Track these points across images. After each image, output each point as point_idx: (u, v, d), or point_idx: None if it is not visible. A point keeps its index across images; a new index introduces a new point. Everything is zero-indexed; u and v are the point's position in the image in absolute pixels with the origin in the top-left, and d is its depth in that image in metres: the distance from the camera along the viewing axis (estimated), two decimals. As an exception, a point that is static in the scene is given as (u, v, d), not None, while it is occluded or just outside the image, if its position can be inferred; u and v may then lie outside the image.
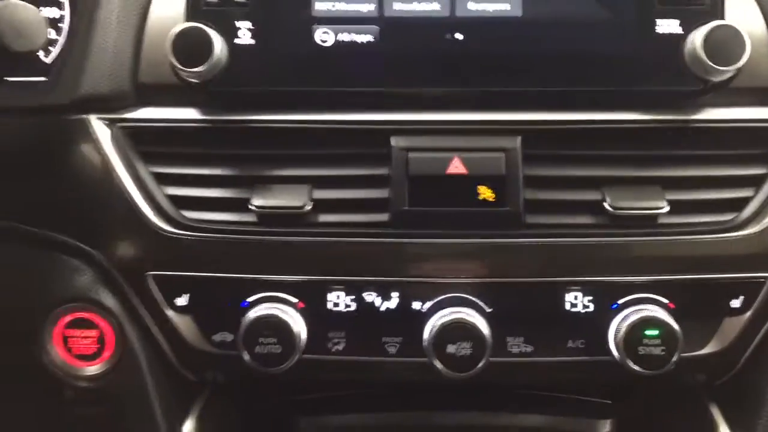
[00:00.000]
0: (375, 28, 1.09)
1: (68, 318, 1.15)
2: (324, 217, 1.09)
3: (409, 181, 1.06)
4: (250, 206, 1.07)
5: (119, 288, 1.14)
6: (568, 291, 1.09)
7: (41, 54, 1.09)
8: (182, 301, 1.11)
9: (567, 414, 1.38)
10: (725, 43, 1.02)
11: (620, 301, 1.08)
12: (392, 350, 1.11)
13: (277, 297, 1.08)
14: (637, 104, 1.09)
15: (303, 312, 1.08)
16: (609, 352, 1.07)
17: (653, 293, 1.08)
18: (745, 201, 1.09)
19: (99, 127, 1.10)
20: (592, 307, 1.09)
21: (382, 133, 1.09)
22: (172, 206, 1.10)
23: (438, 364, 1.05)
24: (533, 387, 1.36)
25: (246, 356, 1.05)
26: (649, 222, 1.08)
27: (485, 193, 1.06)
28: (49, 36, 1.09)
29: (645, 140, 1.10)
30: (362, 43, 1.09)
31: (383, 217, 1.08)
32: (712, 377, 1.18)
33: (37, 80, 1.11)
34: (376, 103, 1.10)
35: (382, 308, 1.09)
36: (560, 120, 1.09)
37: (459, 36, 1.08)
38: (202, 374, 1.20)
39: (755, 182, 1.09)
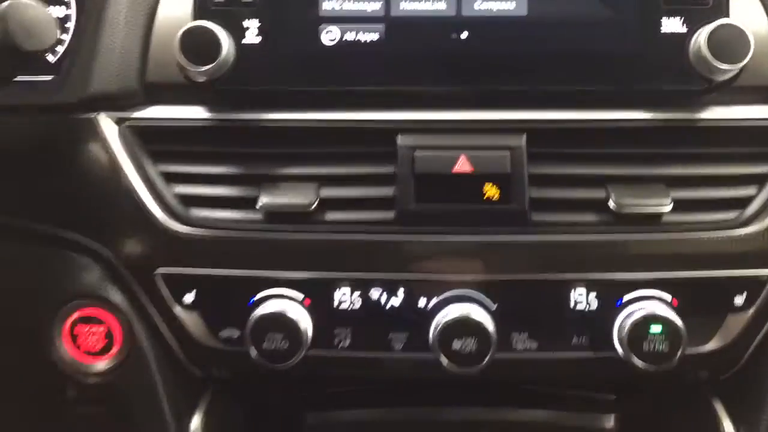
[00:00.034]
0: (381, 27, 1.09)
1: (77, 314, 1.16)
2: (331, 215, 1.09)
3: (416, 180, 1.07)
4: (257, 204, 1.07)
5: (127, 285, 1.14)
6: (573, 288, 1.09)
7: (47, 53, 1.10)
8: (190, 297, 1.11)
9: (571, 409, 1.39)
10: (730, 42, 1.02)
11: (624, 298, 1.08)
12: (398, 346, 1.11)
13: (283, 294, 1.09)
14: (641, 103, 1.10)
15: (309, 308, 1.09)
16: (613, 349, 1.08)
17: (657, 290, 1.08)
18: (748, 199, 1.09)
19: (107, 125, 1.11)
20: (596, 304, 1.09)
21: (388, 131, 1.09)
22: (180, 204, 1.10)
23: (444, 360, 1.06)
24: (538, 383, 1.37)
25: (253, 352, 1.06)
26: (653, 220, 1.08)
27: (491, 191, 1.07)
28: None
29: (649, 139, 1.10)
30: (369, 42, 1.09)
31: (390, 215, 1.08)
32: (716, 373, 1.18)
33: (44, 79, 1.12)
34: (383, 101, 1.10)
35: (388, 305, 1.10)
36: (565, 119, 1.10)
37: (465, 35, 1.09)
38: (208, 370, 1.21)
39: (759, 180, 1.10)
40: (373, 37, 1.09)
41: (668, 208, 1.07)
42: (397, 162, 1.08)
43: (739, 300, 1.10)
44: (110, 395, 1.19)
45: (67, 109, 1.11)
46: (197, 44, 1.04)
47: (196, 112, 1.12)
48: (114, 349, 1.16)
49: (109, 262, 1.14)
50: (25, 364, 1.21)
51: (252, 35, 1.09)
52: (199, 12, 1.09)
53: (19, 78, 1.09)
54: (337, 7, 1.09)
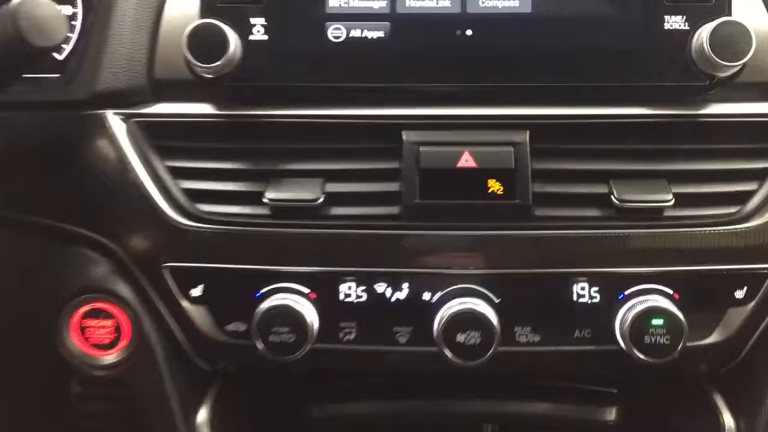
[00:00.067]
0: (387, 24, 1.10)
1: (85, 308, 1.16)
2: (336, 210, 1.10)
3: (420, 175, 1.08)
4: (264, 199, 1.08)
5: (135, 279, 1.15)
6: (576, 282, 1.10)
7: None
8: (197, 291, 1.12)
9: (573, 402, 1.39)
10: (731, 39, 1.03)
11: (626, 292, 1.09)
12: (403, 339, 1.12)
13: (289, 288, 1.10)
14: (643, 99, 1.11)
15: (315, 302, 1.09)
16: (615, 342, 1.09)
17: (659, 284, 1.09)
18: (749, 194, 1.10)
19: (115, 121, 1.12)
20: (598, 298, 1.10)
21: (393, 127, 1.10)
22: (187, 199, 1.11)
23: (448, 353, 1.07)
24: (540, 376, 1.38)
25: (260, 345, 1.07)
26: (655, 214, 1.09)
27: (495, 186, 1.08)
28: None
29: (651, 134, 1.11)
30: (374, 39, 1.10)
31: (394, 209, 1.09)
32: (716, 366, 1.19)
33: (52, 77, 1.14)
34: (388, 98, 1.12)
35: (393, 299, 1.11)
36: (568, 114, 1.11)
37: (469, 32, 1.10)
38: (215, 363, 1.22)
39: (759, 176, 1.11)
40: (379, 34, 1.10)
41: (670, 203, 1.07)
42: (402, 157, 1.09)
43: (739, 294, 1.11)
44: (119, 387, 1.19)
45: (75, 105, 1.13)
46: (205, 41, 1.05)
47: (203, 109, 1.13)
48: (122, 343, 1.17)
49: (117, 256, 1.15)
50: (35, 358, 1.22)
51: (258, 32, 1.10)
52: (206, 10, 1.10)
53: (27, 75, 1.09)
54: (344, 5, 1.10)
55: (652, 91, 1.11)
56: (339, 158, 1.11)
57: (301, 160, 1.12)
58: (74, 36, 1.15)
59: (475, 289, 1.10)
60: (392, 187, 1.10)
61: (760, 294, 1.11)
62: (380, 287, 1.11)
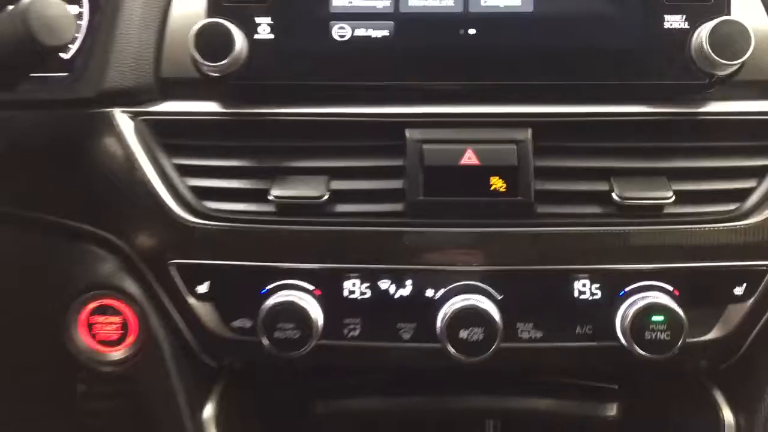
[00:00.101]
0: (390, 23, 1.11)
1: (93, 305, 1.17)
2: (341, 207, 1.11)
3: (424, 172, 1.09)
4: (269, 196, 1.09)
5: (142, 276, 1.16)
6: (577, 278, 1.11)
7: None
8: (203, 288, 1.13)
9: (574, 398, 1.40)
10: (731, 38, 1.04)
11: (627, 288, 1.10)
12: (406, 336, 1.13)
13: (294, 284, 1.10)
14: (644, 97, 1.12)
15: (320, 299, 1.10)
16: (616, 338, 1.09)
17: (659, 281, 1.10)
18: (748, 191, 1.11)
19: (123, 119, 1.13)
20: (599, 294, 1.11)
21: (397, 125, 1.11)
22: (193, 197, 1.12)
23: (451, 349, 1.07)
24: (542, 372, 1.39)
25: (265, 341, 1.08)
26: (655, 212, 1.10)
27: (497, 183, 1.08)
28: None
29: (651, 132, 1.12)
30: (378, 38, 1.11)
31: (398, 206, 1.10)
32: (716, 362, 1.20)
33: (59, 76, 1.15)
34: (391, 96, 1.13)
35: (397, 295, 1.11)
36: (570, 113, 1.12)
37: (472, 31, 1.11)
38: (221, 359, 1.23)
39: (758, 173, 1.11)
40: (383, 33, 1.11)
41: (670, 200, 1.08)
42: (406, 155, 1.09)
43: (739, 290, 1.11)
44: (126, 383, 1.20)
45: (83, 103, 1.14)
46: (211, 41, 1.06)
47: (210, 107, 1.14)
48: (129, 339, 1.17)
49: (125, 253, 1.16)
50: (43, 355, 1.23)
51: (264, 31, 1.11)
52: (212, 9, 1.11)
53: (35, 74, 1.10)
54: (348, 4, 1.11)
55: (652, 89, 1.12)
56: (343, 156, 1.12)
57: (306, 158, 1.13)
58: (80, 35, 1.16)
59: (477, 285, 1.11)
60: (396, 184, 1.10)
61: (759, 290, 1.11)
62: (384, 284, 1.11)
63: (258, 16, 1.11)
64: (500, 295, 1.11)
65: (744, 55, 1.04)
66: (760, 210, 1.10)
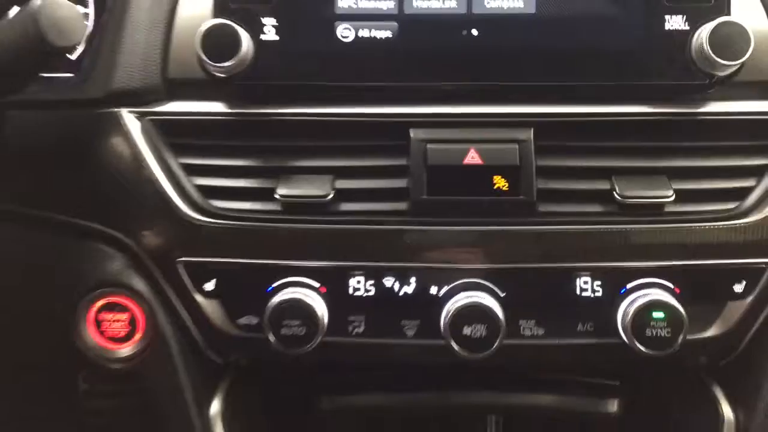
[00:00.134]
0: (394, 24, 1.12)
1: (101, 302, 1.18)
2: (346, 206, 1.12)
3: (428, 172, 1.10)
4: (275, 195, 1.10)
5: (150, 273, 1.17)
6: (579, 276, 1.11)
7: None
8: (210, 286, 1.14)
9: (576, 394, 1.41)
10: (730, 39, 1.05)
11: (628, 286, 1.11)
12: (410, 333, 1.14)
13: (300, 282, 1.11)
14: (645, 98, 1.13)
15: (325, 296, 1.11)
16: (617, 335, 1.10)
17: (660, 278, 1.11)
18: (747, 190, 1.12)
19: (130, 119, 1.14)
20: (601, 292, 1.11)
21: (401, 125, 1.12)
22: (200, 196, 1.13)
23: (454, 345, 1.08)
24: (544, 368, 1.39)
25: (272, 337, 1.09)
26: (656, 210, 1.11)
27: (500, 182, 1.09)
28: None
29: (652, 132, 1.13)
30: (382, 39, 1.12)
31: (402, 205, 1.11)
32: (716, 358, 1.21)
33: (65, 76, 1.16)
34: (396, 96, 1.13)
35: (401, 293, 1.12)
36: (571, 113, 1.12)
37: (475, 32, 1.12)
38: (227, 356, 1.24)
39: (758, 172, 1.12)
40: (387, 34, 1.12)
41: (670, 198, 1.09)
42: (410, 155, 1.10)
43: (738, 288, 1.12)
44: (133, 383, 1.21)
45: (91, 104, 1.15)
46: (218, 41, 1.07)
47: (216, 107, 1.15)
48: (137, 336, 1.18)
49: (133, 251, 1.17)
50: (51, 353, 1.24)
51: (270, 32, 1.12)
52: (218, 10, 1.11)
53: (43, 75, 1.11)
54: (353, 5, 1.12)
55: (652, 89, 1.13)
56: (348, 155, 1.13)
57: (311, 158, 1.14)
58: (86, 36, 1.17)
59: (480, 283, 1.12)
60: (400, 183, 1.11)
61: (758, 288, 1.12)
62: (388, 281, 1.12)
63: (264, 17, 1.12)
64: (503, 292, 1.11)
65: (743, 55, 1.05)
66: (759, 208, 1.11)
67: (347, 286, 1.13)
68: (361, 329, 1.14)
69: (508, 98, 1.13)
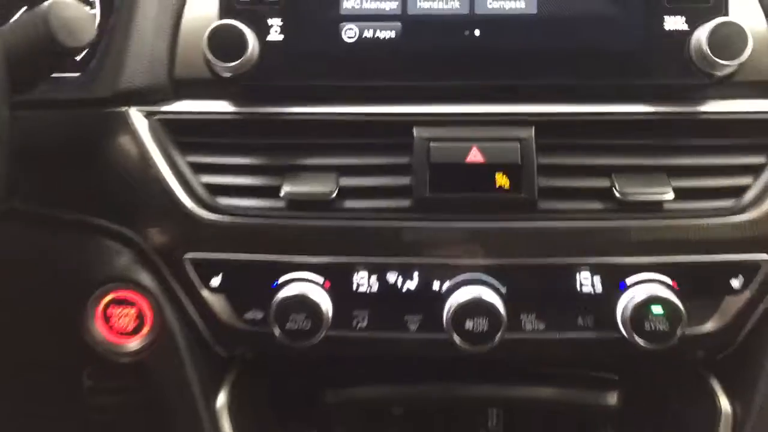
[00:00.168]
0: (398, 25, 1.13)
1: (109, 297, 1.20)
2: (350, 203, 1.13)
3: (431, 169, 1.11)
4: (280, 193, 1.11)
5: (157, 269, 1.18)
6: (579, 271, 1.12)
7: None
8: (216, 281, 1.15)
9: (576, 387, 1.42)
10: (729, 39, 1.06)
11: (628, 281, 1.12)
12: (413, 327, 1.15)
13: (305, 277, 1.13)
14: (644, 97, 1.14)
15: (329, 291, 1.12)
16: (617, 329, 1.11)
17: (658, 274, 1.12)
18: (745, 188, 1.13)
19: (138, 118, 1.16)
20: (601, 287, 1.13)
21: (404, 124, 1.13)
22: (207, 193, 1.14)
23: (456, 339, 1.09)
24: (545, 362, 1.41)
25: (277, 331, 1.10)
26: (655, 207, 1.12)
27: (502, 180, 1.10)
28: None
29: (652, 131, 1.14)
30: (386, 39, 1.13)
31: (406, 202, 1.12)
32: (713, 352, 1.22)
33: (72, 76, 1.17)
34: (399, 96, 1.14)
35: (404, 288, 1.13)
36: (572, 112, 1.13)
37: (477, 32, 1.13)
38: (233, 350, 1.25)
39: (755, 170, 1.13)
40: (391, 34, 1.13)
41: (669, 196, 1.10)
42: (413, 153, 1.11)
43: (735, 283, 1.13)
44: (143, 373, 1.23)
45: (99, 103, 1.16)
46: (224, 42, 1.08)
47: (222, 106, 1.16)
48: (145, 330, 1.20)
49: (140, 247, 1.18)
50: (59, 349, 1.26)
51: (275, 33, 1.13)
52: (225, 11, 1.12)
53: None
54: (357, 6, 1.13)
55: (652, 89, 1.14)
56: (352, 153, 1.14)
57: (316, 156, 1.15)
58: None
59: (482, 278, 1.13)
60: (403, 181, 1.13)
61: (755, 283, 1.13)
62: (392, 277, 1.13)
63: (269, 18, 1.13)
64: (504, 287, 1.13)
65: (742, 55, 1.06)
66: (757, 205, 1.12)
67: (351, 282, 1.14)
68: (364, 323, 1.15)
69: (510, 97, 1.14)
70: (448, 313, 1.10)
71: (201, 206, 1.14)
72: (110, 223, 1.19)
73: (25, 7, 1.21)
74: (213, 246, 1.15)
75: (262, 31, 1.12)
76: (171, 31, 1.17)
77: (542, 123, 1.13)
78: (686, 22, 1.11)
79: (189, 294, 1.18)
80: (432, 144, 1.11)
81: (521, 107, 1.14)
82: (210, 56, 1.09)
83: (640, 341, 1.10)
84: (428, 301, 1.13)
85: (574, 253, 1.13)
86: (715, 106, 1.14)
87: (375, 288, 1.14)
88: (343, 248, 1.14)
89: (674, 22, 1.11)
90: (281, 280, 1.13)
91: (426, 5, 1.13)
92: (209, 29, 1.08)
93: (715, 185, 1.13)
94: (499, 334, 1.09)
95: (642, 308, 1.09)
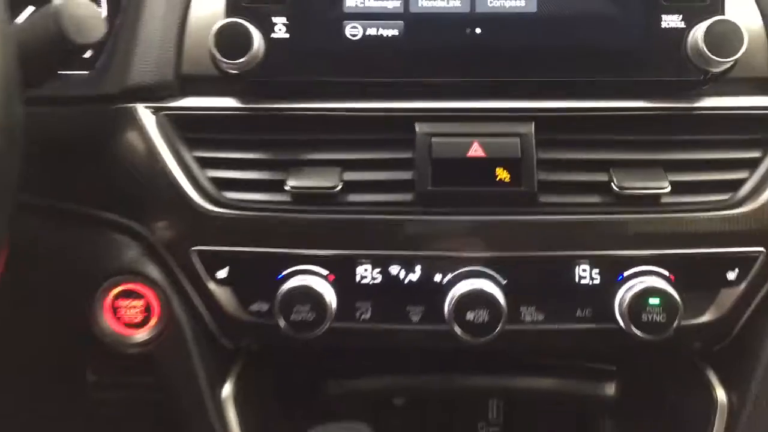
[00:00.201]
0: (400, 23, 1.14)
1: (117, 289, 1.21)
2: (353, 197, 1.14)
3: (432, 164, 1.12)
4: (285, 187, 1.13)
5: (164, 262, 1.20)
6: (578, 264, 1.14)
7: None
8: (222, 273, 1.16)
9: (574, 378, 1.44)
10: (725, 37, 1.07)
11: (625, 273, 1.13)
12: (415, 318, 1.16)
13: (309, 270, 1.14)
14: (642, 93, 1.15)
15: (333, 283, 1.14)
16: (614, 320, 1.13)
17: (655, 266, 1.13)
18: (740, 182, 1.14)
19: (145, 114, 1.17)
20: (599, 279, 1.14)
21: (407, 119, 1.14)
22: (213, 187, 1.16)
23: (458, 330, 1.11)
24: (544, 353, 1.42)
25: (282, 323, 1.11)
26: (652, 201, 1.13)
27: (502, 174, 1.12)
28: None
29: (649, 126, 1.16)
30: (389, 37, 1.15)
31: (408, 196, 1.14)
32: (709, 344, 1.24)
33: (79, 73, 1.19)
34: (401, 92, 1.16)
35: (406, 280, 1.15)
36: (571, 107, 1.15)
37: (478, 30, 1.14)
38: (238, 342, 1.27)
39: (750, 165, 1.15)
40: (393, 32, 1.15)
41: (667, 190, 1.11)
42: (415, 148, 1.13)
43: (731, 275, 1.15)
44: (151, 364, 1.24)
45: (107, 99, 1.17)
46: (230, 39, 1.09)
47: (228, 102, 1.17)
48: (152, 322, 1.21)
49: (148, 240, 1.19)
50: (69, 341, 1.27)
51: (280, 31, 1.14)
52: (231, 9, 1.14)
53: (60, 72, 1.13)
54: (360, 4, 1.14)
55: (649, 85, 1.15)
56: (356, 149, 1.15)
57: (320, 151, 1.16)
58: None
59: (483, 270, 1.14)
60: (406, 175, 1.14)
61: (750, 275, 1.15)
62: (394, 269, 1.15)
63: (275, 16, 1.14)
64: (505, 279, 1.14)
65: (737, 53, 1.08)
66: (752, 199, 1.14)
67: (355, 274, 1.15)
68: (367, 315, 1.17)
69: (510, 94, 1.15)
70: (449, 304, 1.12)
71: (207, 200, 1.16)
72: (119, 217, 1.21)
73: (31, 7, 1.22)
74: (219, 239, 1.16)
75: (267, 29, 1.14)
76: (178, 29, 1.18)
77: (542, 118, 1.14)
78: (683, 20, 1.12)
79: (195, 286, 1.19)
80: (434, 139, 1.13)
81: (521, 103, 1.15)
82: (216, 53, 1.10)
83: (638, 332, 1.11)
84: (430, 293, 1.15)
85: (573, 245, 1.14)
86: (711, 102, 1.16)
87: (378, 280, 1.15)
88: (347, 241, 1.15)
89: (671, 21, 1.13)
90: (286, 272, 1.14)
91: (428, 4, 1.14)
92: (216, 27, 1.10)
93: (712, 179, 1.15)
94: (499, 325, 1.11)
95: (639, 300, 1.11)
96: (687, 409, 1.35)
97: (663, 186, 1.12)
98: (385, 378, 1.44)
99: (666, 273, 1.14)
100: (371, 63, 1.16)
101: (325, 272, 1.15)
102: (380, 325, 1.17)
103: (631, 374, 1.45)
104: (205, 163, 1.17)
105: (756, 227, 1.14)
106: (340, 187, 1.13)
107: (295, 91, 1.17)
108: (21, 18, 1.20)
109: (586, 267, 1.15)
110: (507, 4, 1.14)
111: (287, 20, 1.15)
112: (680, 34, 1.12)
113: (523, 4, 1.14)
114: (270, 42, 1.14)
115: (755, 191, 1.14)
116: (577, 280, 1.15)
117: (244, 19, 1.11)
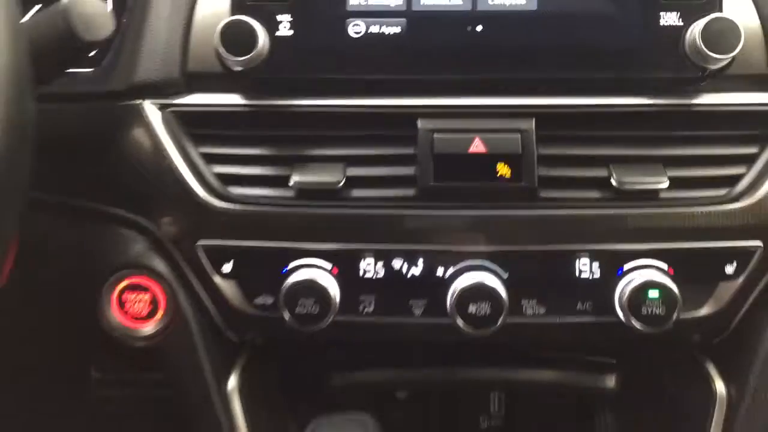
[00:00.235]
0: (403, 20, 1.16)
1: (124, 283, 1.22)
2: (357, 192, 1.16)
3: (434, 159, 1.13)
4: (289, 182, 1.14)
5: (170, 255, 1.21)
6: (578, 258, 1.15)
7: None
8: (228, 267, 1.18)
9: (575, 371, 1.46)
10: (722, 34, 1.08)
11: (625, 267, 1.14)
12: (417, 311, 1.17)
13: (314, 263, 1.15)
14: (641, 90, 1.16)
15: (337, 277, 1.15)
16: (614, 313, 1.14)
17: (655, 260, 1.14)
18: (738, 177, 1.15)
19: (152, 111, 1.18)
20: (599, 273, 1.15)
21: (409, 116, 1.15)
22: (219, 183, 1.17)
23: (460, 323, 1.12)
24: (545, 346, 1.43)
25: (287, 315, 1.13)
26: (651, 196, 1.14)
27: (503, 170, 1.13)
28: None
29: (648, 122, 1.17)
30: (391, 34, 1.16)
31: (410, 191, 1.15)
32: (709, 336, 1.25)
33: (86, 70, 1.20)
34: (404, 89, 1.17)
35: (409, 274, 1.16)
36: (571, 104, 1.16)
37: (479, 28, 1.16)
38: (244, 335, 1.28)
39: (748, 160, 1.16)
40: (396, 30, 1.16)
41: (665, 185, 1.13)
42: (418, 144, 1.14)
43: (729, 269, 1.15)
44: (157, 357, 1.26)
45: (114, 96, 1.19)
46: (236, 37, 1.10)
47: (234, 99, 1.18)
48: (159, 315, 1.22)
49: (154, 235, 1.21)
50: (80, 330, 1.28)
51: (285, 28, 1.16)
52: (236, 7, 1.15)
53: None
54: (363, 3, 1.16)
55: (648, 82, 1.16)
56: (359, 145, 1.16)
57: (324, 147, 1.17)
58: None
59: (485, 264, 1.15)
60: (408, 171, 1.15)
61: (748, 269, 1.16)
62: (397, 263, 1.16)
63: (279, 14, 1.15)
64: (506, 273, 1.15)
65: (734, 50, 1.09)
66: (749, 194, 1.15)
67: (358, 268, 1.16)
68: (371, 308, 1.18)
69: (511, 90, 1.16)
70: (451, 297, 1.13)
71: (213, 195, 1.17)
72: (125, 212, 1.22)
73: (38, 5, 1.23)
74: (224, 233, 1.18)
75: (271, 26, 1.15)
76: (184, 27, 1.19)
77: (542, 115, 1.15)
78: (681, 18, 1.13)
79: (201, 280, 1.21)
80: (436, 135, 1.14)
81: (522, 100, 1.16)
82: (222, 51, 1.11)
83: (637, 325, 1.12)
84: (432, 287, 1.16)
85: (574, 240, 1.15)
86: (708, 99, 1.17)
87: (381, 274, 1.16)
88: (351, 235, 1.16)
89: (669, 18, 1.14)
90: (291, 266, 1.16)
91: (430, 2, 1.16)
92: (221, 25, 1.11)
93: (710, 174, 1.16)
94: (501, 318, 1.12)
95: (639, 293, 1.12)
96: (686, 402, 1.36)
97: (662, 181, 1.13)
98: (388, 371, 1.45)
99: (665, 267, 1.15)
100: (374, 60, 1.17)
101: (329, 266, 1.16)
102: (383, 318, 1.18)
103: (631, 367, 1.46)
104: (211, 159, 1.18)
105: (753, 221, 1.15)
106: (343, 183, 1.14)
107: (299, 88, 1.18)
108: (28, 15, 1.21)
109: (587, 261, 1.16)
110: (508, 3, 1.16)
111: (291, 18, 1.16)
112: (678, 32, 1.13)
113: (523, 2, 1.15)
114: (274, 39, 1.15)
115: (752, 186, 1.15)
116: (577, 273, 1.16)
117: (249, 17, 1.12)
